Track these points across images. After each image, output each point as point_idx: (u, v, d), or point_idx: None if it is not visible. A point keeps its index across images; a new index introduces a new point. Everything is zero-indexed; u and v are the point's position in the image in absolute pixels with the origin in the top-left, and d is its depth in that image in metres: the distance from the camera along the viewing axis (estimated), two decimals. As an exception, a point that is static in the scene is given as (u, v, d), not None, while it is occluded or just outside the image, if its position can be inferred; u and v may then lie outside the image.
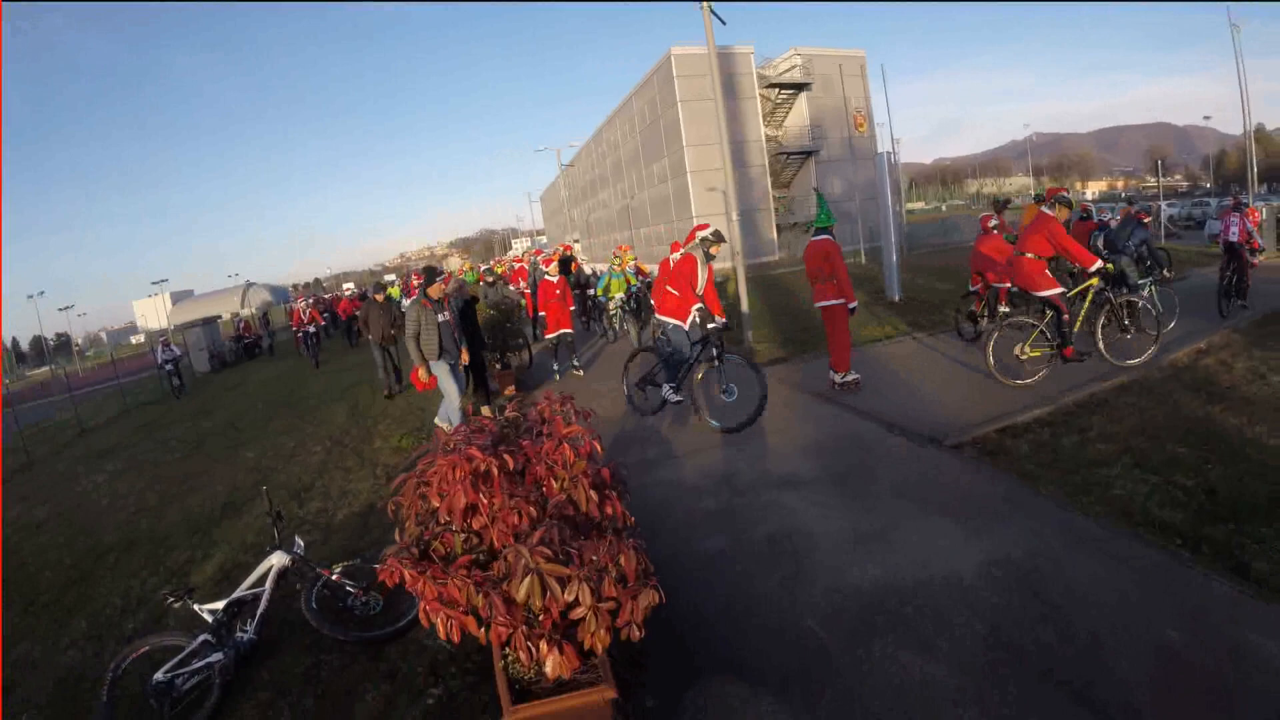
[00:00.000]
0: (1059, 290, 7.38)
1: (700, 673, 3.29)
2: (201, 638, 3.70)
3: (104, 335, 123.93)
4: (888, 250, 14.99)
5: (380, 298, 12.27)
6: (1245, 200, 13.78)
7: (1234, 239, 10.83)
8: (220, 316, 30.66)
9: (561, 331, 10.44)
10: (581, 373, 10.57)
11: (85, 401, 17.43)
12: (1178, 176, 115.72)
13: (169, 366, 18.56)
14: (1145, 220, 11.00)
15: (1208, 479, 4.83)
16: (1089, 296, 7.76)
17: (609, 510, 2.82)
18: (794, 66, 36.52)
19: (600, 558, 2.56)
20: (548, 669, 2.57)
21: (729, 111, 33.22)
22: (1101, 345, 7.61)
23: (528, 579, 2.31)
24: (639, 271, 13.80)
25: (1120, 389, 6.91)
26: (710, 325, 7.01)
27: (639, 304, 12.64)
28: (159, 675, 3.57)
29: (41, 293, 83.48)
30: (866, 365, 8.57)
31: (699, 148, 32.60)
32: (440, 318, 7.49)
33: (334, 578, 4.16)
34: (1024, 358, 7.43)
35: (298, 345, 23.65)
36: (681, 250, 7.80)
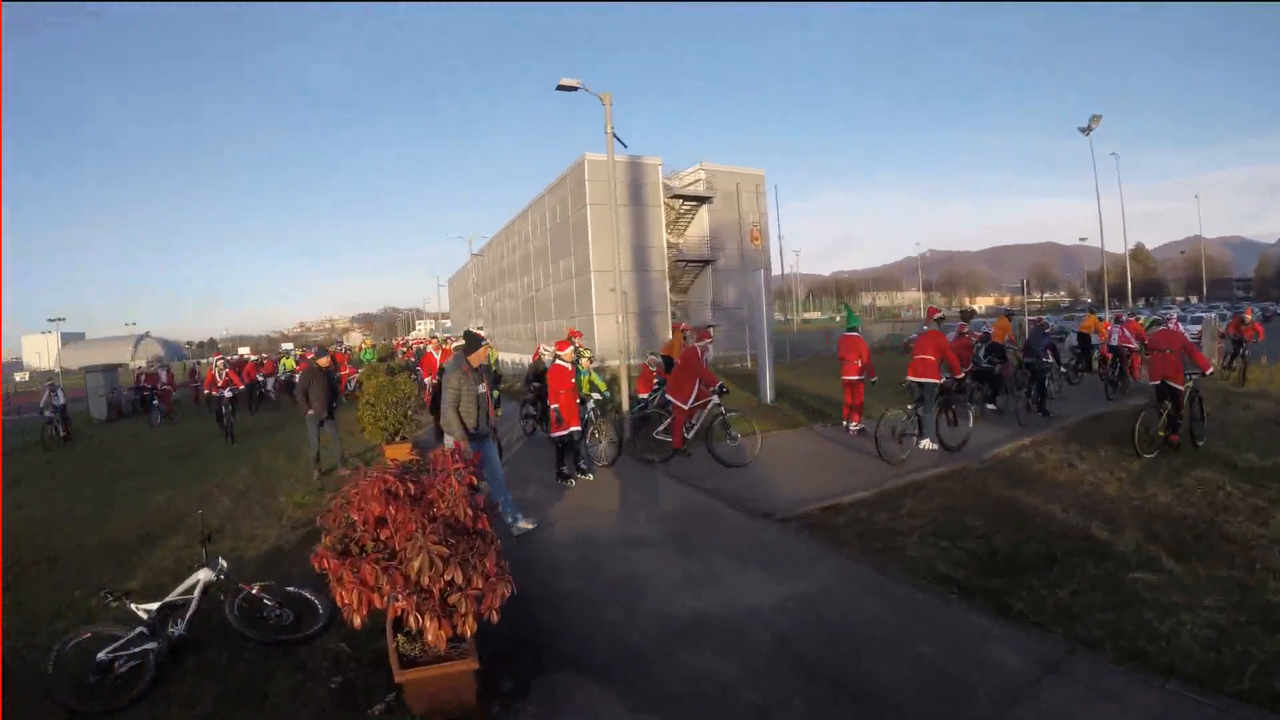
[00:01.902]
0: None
1: (546, 668, 4.37)
2: (138, 629, 4.56)
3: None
4: (762, 358, 16.86)
5: (325, 363, 10.65)
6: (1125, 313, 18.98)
7: (1115, 343, 15.20)
8: (121, 365, 29.97)
9: (571, 430, 8.79)
10: (591, 477, 9.25)
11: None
12: (1062, 293, 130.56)
13: (49, 414, 17.35)
14: (1047, 330, 14.21)
15: (992, 544, 5.85)
16: None
17: (480, 525, 4.06)
18: (698, 180, 39.56)
19: (472, 554, 3.78)
20: (429, 636, 3.69)
21: (635, 217, 35.68)
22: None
23: (420, 556, 3.52)
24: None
25: (939, 477, 8.10)
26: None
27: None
28: (102, 655, 4.40)
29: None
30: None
31: (604, 248, 34.59)
32: (480, 389, 6.87)
33: (254, 592, 5.11)
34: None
35: (195, 398, 24.20)
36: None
